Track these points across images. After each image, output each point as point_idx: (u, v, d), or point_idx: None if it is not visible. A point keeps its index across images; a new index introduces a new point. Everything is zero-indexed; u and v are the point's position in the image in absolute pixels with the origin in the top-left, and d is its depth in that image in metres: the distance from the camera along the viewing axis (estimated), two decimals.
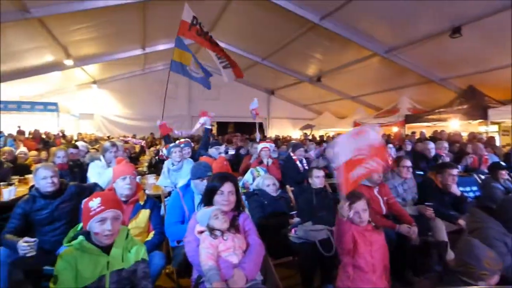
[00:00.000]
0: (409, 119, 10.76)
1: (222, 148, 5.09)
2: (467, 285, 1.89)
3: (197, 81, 6.81)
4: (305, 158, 5.64)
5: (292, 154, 5.31)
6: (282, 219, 3.46)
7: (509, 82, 8.74)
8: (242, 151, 6.88)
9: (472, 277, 1.90)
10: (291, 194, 4.05)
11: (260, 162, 5.03)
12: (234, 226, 2.27)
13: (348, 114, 14.61)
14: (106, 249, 1.95)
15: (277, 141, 10.99)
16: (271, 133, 16.85)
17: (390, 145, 5.89)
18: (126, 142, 9.46)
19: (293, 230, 3.33)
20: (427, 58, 9.53)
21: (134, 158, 7.08)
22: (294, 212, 3.55)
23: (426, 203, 3.49)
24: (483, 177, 4.66)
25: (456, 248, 2.15)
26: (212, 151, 5.00)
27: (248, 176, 4.27)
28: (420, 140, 7.28)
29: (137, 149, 8.93)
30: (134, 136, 12.88)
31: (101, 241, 1.93)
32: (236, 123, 18.00)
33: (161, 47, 12.38)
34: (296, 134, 16.89)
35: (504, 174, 4.33)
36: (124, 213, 2.30)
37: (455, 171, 3.49)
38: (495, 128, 9.61)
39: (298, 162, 5.39)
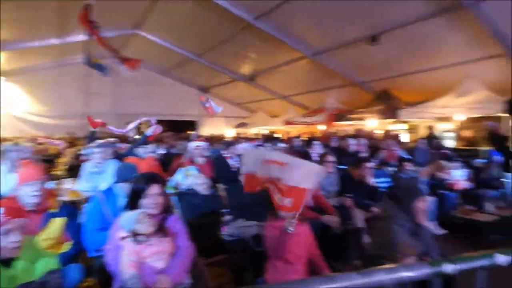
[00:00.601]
0: (334, 118, 11.65)
1: (150, 147, 4.85)
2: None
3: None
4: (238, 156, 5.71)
5: (224, 152, 5.33)
6: (214, 218, 3.45)
7: (417, 86, 10.06)
8: (173, 151, 6.67)
9: (391, 260, 2.12)
10: (223, 193, 4.06)
11: (193, 161, 4.93)
12: (161, 230, 2.19)
13: (280, 113, 15.17)
14: (8, 262, 1.73)
15: (211, 139, 10.91)
16: (204, 131, 16.67)
17: (316, 142, 6.28)
18: (41, 143, 8.43)
19: (225, 228, 3.35)
20: (350, 62, 10.39)
21: (49, 161, 6.34)
22: (226, 210, 3.57)
23: (346, 195, 3.82)
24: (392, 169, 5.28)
25: (374, 233, 2.40)
26: (139, 151, 4.74)
27: (178, 176, 4.15)
28: (343, 137, 7.93)
29: (54, 150, 8.01)
30: (49, 137, 11.51)
31: (5, 255, 1.71)
32: (167, 121, 17.35)
33: (81, 37, 11.30)
34: (230, 132, 16.98)
35: (408, 165, 4.95)
36: (31, 223, 2.04)
37: (371, 165, 3.87)
38: (405, 126, 10.97)
39: (232, 160, 5.42)
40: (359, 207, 3.89)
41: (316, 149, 5.79)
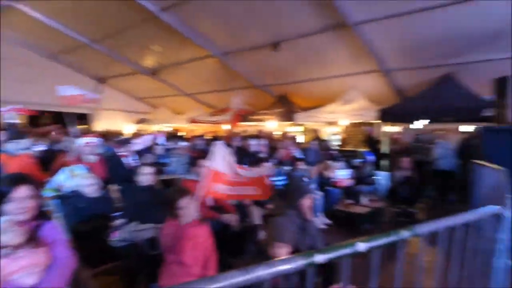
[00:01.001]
0: (239, 118, 11.97)
1: (25, 142, 4.11)
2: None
3: None
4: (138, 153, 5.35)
5: (118, 149, 4.91)
6: (103, 223, 3.14)
7: (311, 93, 11.14)
8: (57, 147, 5.82)
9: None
10: (116, 194, 3.73)
11: (81, 160, 4.39)
12: (33, 239, 1.88)
13: (184, 111, 14.82)
14: None
15: (106, 135, 9.91)
16: (99, 126, 15.07)
17: (219, 141, 6.34)
18: None
19: (116, 233, 3.08)
20: (254, 66, 10.85)
21: None
22: (117, 214, 3.28)
23: None
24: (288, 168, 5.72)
25: (266, 229, 2.54)
26: (10, 146, 3.97)
27: (61, 176, 3.64)
28: (245, 138, 8.23)
29: None
30: None
31: None
32: (54, 113, 15.02)
33: None
34: (130, 128, 15.77)
35: (301, 164, 5.44)
36: None
37: (268, 164, 4.11)
38: (301, 128, 12.03)
39: (128, 159, 5.04)
40: (256, 204, 4.08)
41: None
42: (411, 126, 8.46)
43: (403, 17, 7.10)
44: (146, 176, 3.64)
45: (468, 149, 6.42)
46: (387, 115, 8.50)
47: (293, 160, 5.66)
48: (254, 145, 6.39)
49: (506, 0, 5.98)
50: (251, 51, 9.76)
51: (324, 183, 5.45)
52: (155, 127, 15.36)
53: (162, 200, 3.35)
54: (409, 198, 5.31)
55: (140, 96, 16.86)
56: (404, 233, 1.28)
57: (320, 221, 4.87)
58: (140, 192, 3.60)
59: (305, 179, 5.25)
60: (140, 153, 6.41)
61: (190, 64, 11.54)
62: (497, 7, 6.23)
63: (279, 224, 2.40)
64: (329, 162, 5.96)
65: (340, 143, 11.38)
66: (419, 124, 8.02)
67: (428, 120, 8.07)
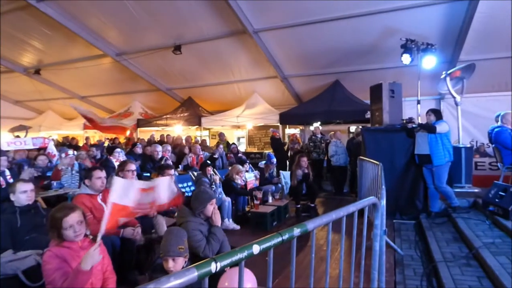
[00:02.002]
0: (140, 123, 11.24)
1: None
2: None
3: None
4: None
5: None
6: None
7: (216, 97, 11.20)
8: None
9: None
10: None
11: None
12: None
13: (78, 115, 13.18)
14: None
15: None
16: None
17: (118, 150, 5.85)
18: None
19: None
20: (156, 68, 10.34)
21: None
22: None
23: None
24: (196, 173, 5.61)
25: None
26: None
27: None
28: (149, 143, 7.78)
29: None
30: None
31: None
32: None
33: None
34: (5, 137, 13.19)
35: (209, 170, 5.40)
36: None
37: (172, 171, 3.93)
38: (206, 132, 11.97)
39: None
40: (164, 214, 3.87)
41: (118, 157, 5.36)
42: (308, 127, 9.30)
43: (298, 28, 7.78)
44: (24, 194, 3.07)
45: (355, 146, 7.36)
46: (287, 118, 9.17)
47: (202, 165, 5.58)
48: (159, 151, 6.06)
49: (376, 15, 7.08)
50: (151, 53, 9.29)
51: (233, 186, 5.52)
52: (40, 134, 13.21)
53: (43, 221, 2.89)
54: (309, 194, 5.81)
55: (18, 99, 14.34)
56: (296, 231, 1.36)
57: (229, 225, 4.90)
58: (16, 213, 3.01)
59: (214, 184, 5.23)
60: (18, 166, 5.43)
61: (81, 63, 10.33)
62: (369, 24, 7.36)
63: (175, 233, 2.30)
64: (237, 166, 6.06)
65: (246, 146, 11.75)
66: (315, 125, 8.85)
67: (322, 122, 9.03)
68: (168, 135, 9.62)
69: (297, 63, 9.23)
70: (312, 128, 9.15)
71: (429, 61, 6.30)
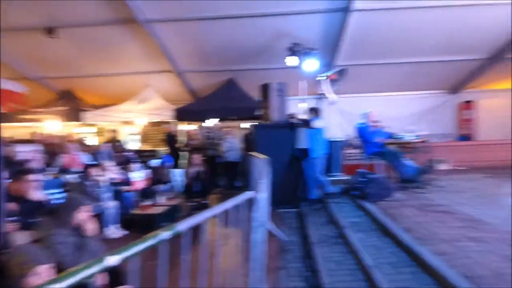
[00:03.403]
0: (3, 118, 9.28)
1: None
2: None
3: None
4: None
5: None
6: None
7: (102, 89, 10.09)
8: None
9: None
10: None
11: None
12: None
13: None
14: None
15: None
16: None
17: None
18: None
19: None
20: (24, 53, 8.70)
21: None
22: None
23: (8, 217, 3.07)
24: (74, 176, 4.94)
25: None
26: None
27: None
28: (12, 143, 6.46)
29: None
30: None
31: None
32: None
33: None
34: None
35: (92, 171, 4.83)
36: None
37: (33, 177, 3.34)
38: (94, 129, 10.69)
39: None
40: (25, 228, 3.25)
41: None
42: (203, 124, 9.24)
43: (194, 22, 7.62)
44: None
45: (248, 142, 7.67)
46: (183, 114, 8.91)
47: (84, 167, 4.93)
48: (22, 152, 5.08)
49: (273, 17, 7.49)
50: (17, 34, 7.76)
51: (118, 189, 5.07)
52: None
53: None
54: (202, 191, 5.79)
55: None
56: (164, 234, 1.29)
57: (113, 232, 4.49)
58: None
59: (98, 188, 4.70)
60: None
61: None
62: (261, 25, 7.75)
63: (50, 247, 1.96)
64: (104, 163, 5.55)
65: (139, 143, 10.97)
66: (210, 122, 8.87)
67: (218, 119, 9.11)
68: (37, 132, 8.19)
69: (193, 58, 9.07)
70: (208, 124, 9.14)
71: (311, 64, 6.99)
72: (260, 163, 4.61)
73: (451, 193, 4.97)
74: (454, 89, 10.63)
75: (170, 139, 8.51)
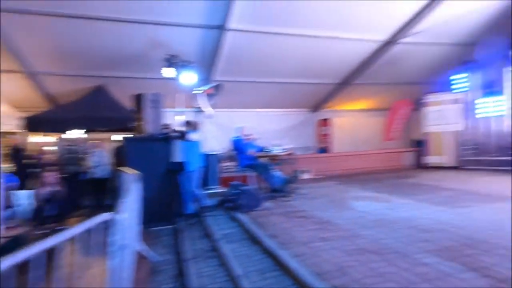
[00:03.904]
0: None
1: None
2: None
3: None
4: None
5: None
6: None
7: None
8: None
9: None
10: None
11: None
12: None
13: None
14: None
15: None
16: None
17: None
18: None
19: None
20: None
21: None
22: None
23: None
24: None
25: None
26: None
27: None
28: None
29: None
30: None
31: None
32: None
33: None
34: None
35: None
36: None
37: None
38: None
39: None
40: None
41: None
42: (63, 135, 7.97)
43: (53, 18, 6.55)
44: None
45: (119, 157, 6.99)
46: (35, 124, 7.48)
47: None
48: None
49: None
50: None
51: None
52: None
53: None
54: (59, 215, 4.92)
55: None
56: None
57: None
58: None
59: None
60: None
61: None
62: (136, 32, 7.30)
63: None
64: None
65: None
66: (73, 133, 7.74)
67: (83, 129, 8.02)
68: None
69: (52, 59, 7.79)
70: (70, 136, 7.94)
71: (188, 77, 6.97)
72: (129, 179, 4.25)
73: (310, 199, 5.69)
74: (314, 108, 12.39)
75: (16, 153, 7.00)
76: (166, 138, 5.40)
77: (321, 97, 11.61)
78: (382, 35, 8.51)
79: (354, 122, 12.75)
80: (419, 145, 10.90)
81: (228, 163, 8.26)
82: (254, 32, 7.64)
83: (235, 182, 5.36)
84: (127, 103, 8.38)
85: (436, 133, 10.16)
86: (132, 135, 6.07)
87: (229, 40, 7.68)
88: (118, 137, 8.44)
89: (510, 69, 8.58)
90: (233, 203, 4.91)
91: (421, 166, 10.34)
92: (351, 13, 7.53)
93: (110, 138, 8.72)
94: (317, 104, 12.17)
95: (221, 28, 7.33)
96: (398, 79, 10.72)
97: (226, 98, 9.05)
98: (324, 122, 12.58)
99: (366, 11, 7.51)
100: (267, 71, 9.35)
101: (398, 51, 9.03)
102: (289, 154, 6.69)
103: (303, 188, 6.54)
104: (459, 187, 6.31)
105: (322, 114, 12.59)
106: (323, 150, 12.12)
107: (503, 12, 8.14)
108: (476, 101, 9.51)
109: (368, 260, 2.80)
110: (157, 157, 5.42)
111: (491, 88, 9.22)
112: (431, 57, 9.76)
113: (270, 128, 10.81)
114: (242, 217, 4.58)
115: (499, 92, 8.96)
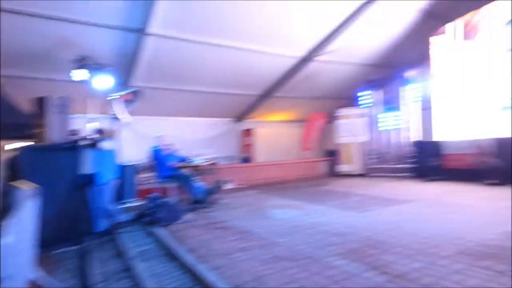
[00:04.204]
0: None
1: None
2: None
3: None
4: None
5: None
6: None
7: None
8: None
9: None
10: None
11: None
12: None
13: None
14: None
15: None
16: None
17: None
18: None
19: None
20: None
21: None
22: None
23: None
24: None
25: None
26: None
27: None
28: None
29: None
30: None
31: None
32: None
33: None
34: None
35: None
36: None
37: None
38: None
39: None
40: None
41: None
42: None
43: None
44: None
45: (13, 169, 6.02)
46: None
47: None
48: None
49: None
50: None
51: None
52: None
53: None
54: None
55: None
56: None
57: None
58: None
59: None
60: None
61: None
62: (42, 28, 6.46)
63: None
64: None
65: None
66: None
67: None
68: None
69: None
70: None
71: (103, 81, 6.42)
72: (22, 194, 3.68)
73: (231, 209, 5.71)
74: (238, 118, 12.61)
75: None
76: (74, 147, 4.84)
77: (245, 107, 11.88)
78: (300, 52, 9.15)
79: (275, 132, 13.34)
80: (332, 155, 11.92)
81: (147, 174, 7.82)
82: (179, 39, 7.45)
83: (153, 195, 5.07)
84: (28, 107, 7.36)
85: (346, 144, 11.24)
86: (31, 144, 5.30)
87: (150, 45, 7.35)
88: (14, 146, 7.30)
89: (405, 88, 10.07)
90: (150, 217, 4.63)
91: (334, 174, 11.30)
92: (274, 29, 7.94)
93: (3, 148, 7.49)
94: (241, 114, 12.42)
95: (141, 32, 6.98)
96: (314, 93, 11.62)
97: (147, 105, 8.61)
98: (248, 132, 12.88)
99: (287, 28, 8.00)
100: (191, 79, 9.21)
101: (314, 68, 9.81)
102: (212, 164, 6.64)
103: (226, 198, 6.55)
104: (365, 193, 7.05)
105: (246, 124, 12.88)
106: (247, 159, 12.37)
107: (400, 40, 9.49)
108: (379, 116, 10.85)
109: (283, 268, 2.91)
110: (61, 168, 4.82)
111: (390, 104, 10.66)
112: (341, 75, 10.83)
113: (194, 137, 10.64)
114: (160, 231, 4.35)
115: (396, 108, 10.41)
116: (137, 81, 8.40)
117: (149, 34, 7.02)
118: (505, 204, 4.92)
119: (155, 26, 6.85)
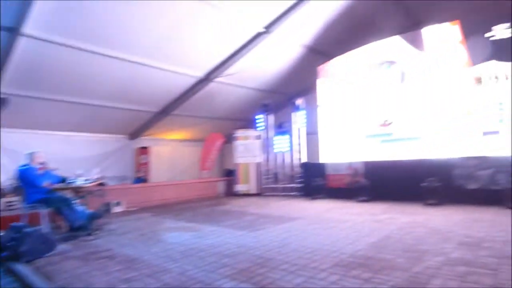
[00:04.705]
0: None
1: None
2: None
3: None
4: None
5: None
6: None
7: None
8: None
9: None
10: None
11: None
12: None
13: None
14: None
15: None
16: None
17: None
18: None
19: None
20: None
21: None
22: None
23: None
24: None
25: None
26: None
27: None
28: None
29: None
30: None
31: None
32: None
33: None
34: None
35: None
36: None
37: None
38: None
39: None
40: None
41: None
42: None
43: None
44: None
45: None
46: None
47: None
48: None
49: None
50: None
51: None
52: None
53: None
54: None
55: None
56: None
57: None
58: None
59: None
60: None
61: None
62: None
63: None
64: None
65: None
66: None
67: None
68: None
69: None
70: None
71: None
72: None
73: (118, 235, 5.19)
74: (133, 135, 11.79)
75: None
76: None
77: (140, 124, 11.24)
78: (199, 72, 9.24)
79: (173, 151, 12.95)
80: (231, 175, 12.20)
81: (14, 198, 6.54)
82: (62, 44, 6.60)
83: (16, 224, 4.22)
84: None
85: (243, 164, 11.68)
86: None
87: (24, 47, 6.33)
88: None
89: (296, 114, 11.15)
90: (11, 250, 3.83)
91: (232, 194, 11.52)
92: (173, 47, 7.84)
93: None
94: (136, 131, 11.68)
95: (13, 31, 5.97)
96: (213, 113, 11.82)
97: (19, 115, 7.32)
98: (143, 150, 12.15)
99: (187, 47, 8.01)
100: (76, 90, 8.24)
101: (213, 89, 10.02)
102: (99, 185, 5.98)
103: (113, 222, 5.94)
104: (259, 212, 7.38)
105: (141, 142, 12.14)
106: (142, 179, 11.57)
107: (290, 70, 10.53)
108: (274, 138, 11.68)
109: None
110: None
111: (282, 128, 11.62)
112: (239, 97, 11.35)
113: (79, 155, 9.46)
114: (23, 268, 3.62)
115: (288, 132, 11.40)
116: (5, 88, 7.07)
117: (25, 35, 6.06)
118: (371, 218, 5.84)
119: (32, 27, 5.96)
